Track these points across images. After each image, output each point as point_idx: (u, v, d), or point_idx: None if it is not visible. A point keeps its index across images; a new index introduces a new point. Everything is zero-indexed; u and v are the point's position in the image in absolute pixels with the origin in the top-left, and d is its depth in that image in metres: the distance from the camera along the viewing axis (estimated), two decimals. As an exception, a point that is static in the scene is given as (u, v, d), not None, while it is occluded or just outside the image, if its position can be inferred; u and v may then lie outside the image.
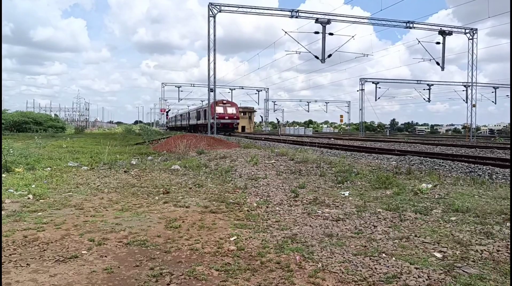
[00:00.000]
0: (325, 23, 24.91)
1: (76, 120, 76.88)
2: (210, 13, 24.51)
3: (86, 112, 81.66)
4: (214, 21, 24.75)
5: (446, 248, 3.86)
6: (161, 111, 68.77)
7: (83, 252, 3.84)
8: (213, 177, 8.89)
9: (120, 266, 3.50)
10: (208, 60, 25.09)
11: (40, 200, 6.22)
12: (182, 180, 8.42)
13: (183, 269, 3.42)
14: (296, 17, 25.03)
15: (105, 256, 3.74)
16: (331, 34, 25.42)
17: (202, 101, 62.75)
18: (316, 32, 25.05)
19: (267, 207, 5.96)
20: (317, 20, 24.84)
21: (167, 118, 74.82)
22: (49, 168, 9.87)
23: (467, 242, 3.99)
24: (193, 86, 62.23)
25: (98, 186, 7.64)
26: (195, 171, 9.75)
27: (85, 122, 77.29)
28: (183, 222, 5.04)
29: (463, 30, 28.63)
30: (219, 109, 38.85)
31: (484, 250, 3.77)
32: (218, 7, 24.60)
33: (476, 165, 9.93)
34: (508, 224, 4.47)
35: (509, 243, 3.90)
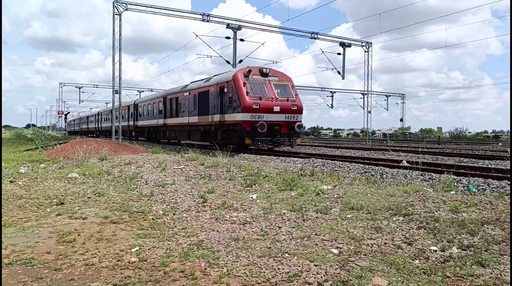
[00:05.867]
0: (236, 28, 25.35)
1: (-51, 122, 65.03)
2: (116, 10, 22.99)
3: (-38, 113, 69.67)
4: (120, 19, 23.26)
5: (342, 244, 4.16)
6: (58, 113, 62.16)
7: None
8: (116, 185, 8.29)
9: (-7, 292, 3.00)
10: (113, 60, 23.47)
11: None
12: (80, 189, 7.67)
13: (74, 289, 3.07)
14: (208, 21, 24.94)
15: (-25, 282, 3.17)
16: (242, 40, 25.96)
17: (106, 104, 58.60)
18: (228, 37, 25.37)
19: (174, 214, 5.76)
20: (228, 26, 25.14)
21: (65, 121, 68.20)
22: None
23: (360, 237, 4.36)
24: (96, 87, 57.78)
25: (-28, 199, 6.50)
26: (96, 179, 8.98)
27: (-39, 125, 65.85)
28: (78, 235, 4.58)
29: (360, 43, 31.64)
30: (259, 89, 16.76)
31: (374, 243, 4.15)
32: (124, 5, 23.16)
33: (370, 166, 11.01)
34: (395, 218, 5.03)
35: (394, 236, 4.38)
